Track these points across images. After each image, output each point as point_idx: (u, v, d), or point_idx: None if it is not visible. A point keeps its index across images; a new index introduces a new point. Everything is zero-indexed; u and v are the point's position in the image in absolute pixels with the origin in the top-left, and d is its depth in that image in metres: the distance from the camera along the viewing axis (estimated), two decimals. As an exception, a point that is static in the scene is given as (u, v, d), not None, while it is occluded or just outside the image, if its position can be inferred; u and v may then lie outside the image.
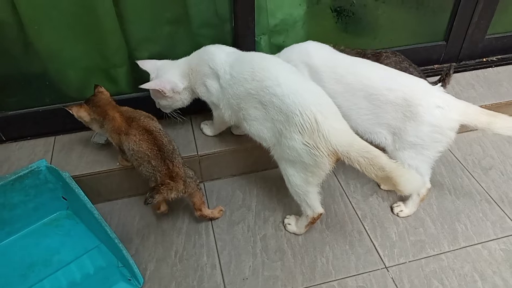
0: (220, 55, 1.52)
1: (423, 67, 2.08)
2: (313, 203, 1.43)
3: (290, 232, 1.57)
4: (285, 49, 1.64)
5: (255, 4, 1.69)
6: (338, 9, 1.95)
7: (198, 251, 1.52)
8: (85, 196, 1.47)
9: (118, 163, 1.64)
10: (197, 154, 1.71)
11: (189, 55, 1.64)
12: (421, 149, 1.42)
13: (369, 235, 1.57)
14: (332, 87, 1.49)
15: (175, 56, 1.67)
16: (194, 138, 1.77)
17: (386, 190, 1.72)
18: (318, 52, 1.57)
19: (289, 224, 1.58)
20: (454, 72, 1.82)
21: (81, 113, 1.50)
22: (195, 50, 1.63)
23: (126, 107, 1.55)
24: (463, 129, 1.42)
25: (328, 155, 1.27)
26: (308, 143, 1.28)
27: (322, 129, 1.26)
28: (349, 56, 1.58)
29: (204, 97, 1.61)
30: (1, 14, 1.51)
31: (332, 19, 1.97)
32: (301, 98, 1.29)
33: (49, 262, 1.49)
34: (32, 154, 1.70)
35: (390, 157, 1.24)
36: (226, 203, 1.70)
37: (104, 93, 1.54)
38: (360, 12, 1.99)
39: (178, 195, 1.40)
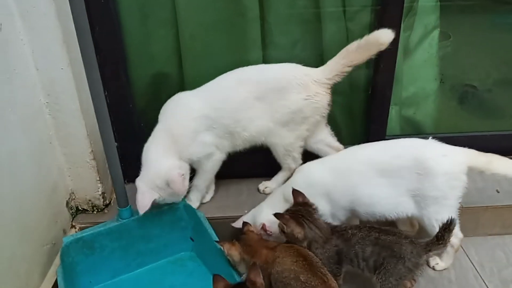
0: (187, 95, 1.59)
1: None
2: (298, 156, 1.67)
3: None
4: None
5: (394, 76, 1.76)
6: (466, 90, 1.98)
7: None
8: (217, 238, 1.51)
9: None
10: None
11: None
12: (443, 201, 1.42)
13: (514, 327, 1.40)
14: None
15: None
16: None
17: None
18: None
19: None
20: None
21: (232, 252, 1.40)
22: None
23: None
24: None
25: (326, 92, 1.55)
26: (308, 95, 1.52)
27: (315, 76, 1.54)
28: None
29: (200, 155, 1.58)
30: (169, 68, 1.76)
31: (461, 96, 2.00)
32: (286, 68, 1.57)
33: (174, 300, 1.51)
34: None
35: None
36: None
37: (254, 232, 1.47)
38: (488, 95, 2.00)
39: None
